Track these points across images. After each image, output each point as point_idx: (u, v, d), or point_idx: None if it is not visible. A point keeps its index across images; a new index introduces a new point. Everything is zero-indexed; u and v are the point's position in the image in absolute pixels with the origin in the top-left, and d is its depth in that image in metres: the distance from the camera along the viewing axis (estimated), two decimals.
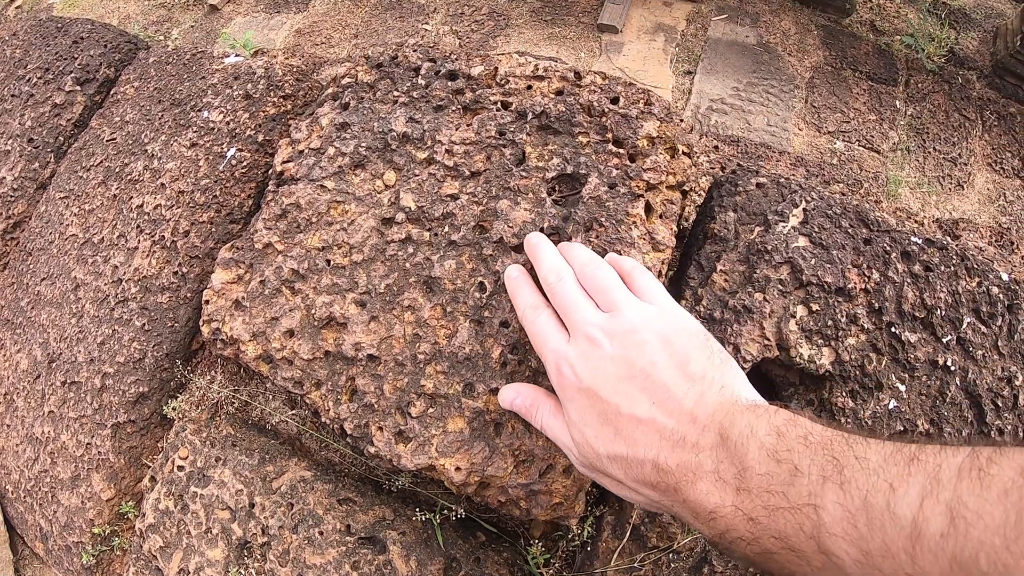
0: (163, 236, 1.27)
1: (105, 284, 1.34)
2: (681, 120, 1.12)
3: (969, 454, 0.43)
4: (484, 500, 0.92)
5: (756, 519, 0.53)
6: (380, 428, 0.92)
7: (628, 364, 0.67)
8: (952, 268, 1.12)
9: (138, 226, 1.32)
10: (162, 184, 1.32)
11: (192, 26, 3.47)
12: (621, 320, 0.71)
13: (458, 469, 0.88)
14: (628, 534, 1.01)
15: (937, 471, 0.43)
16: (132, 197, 1.36)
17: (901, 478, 0.45)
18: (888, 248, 1.14)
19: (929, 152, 2.92)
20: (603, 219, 0.97)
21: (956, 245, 1.17)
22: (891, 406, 1.07)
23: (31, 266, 1.56)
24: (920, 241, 1.15)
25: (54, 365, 1.41)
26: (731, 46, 2.92)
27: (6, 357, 1.56)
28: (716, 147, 2.25)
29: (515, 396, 0.83)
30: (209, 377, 1.22)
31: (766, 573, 0.80)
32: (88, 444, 1.32)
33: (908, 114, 2.97)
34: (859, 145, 2.84)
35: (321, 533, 1.00)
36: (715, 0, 3.06)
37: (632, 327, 0.69)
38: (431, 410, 0.91)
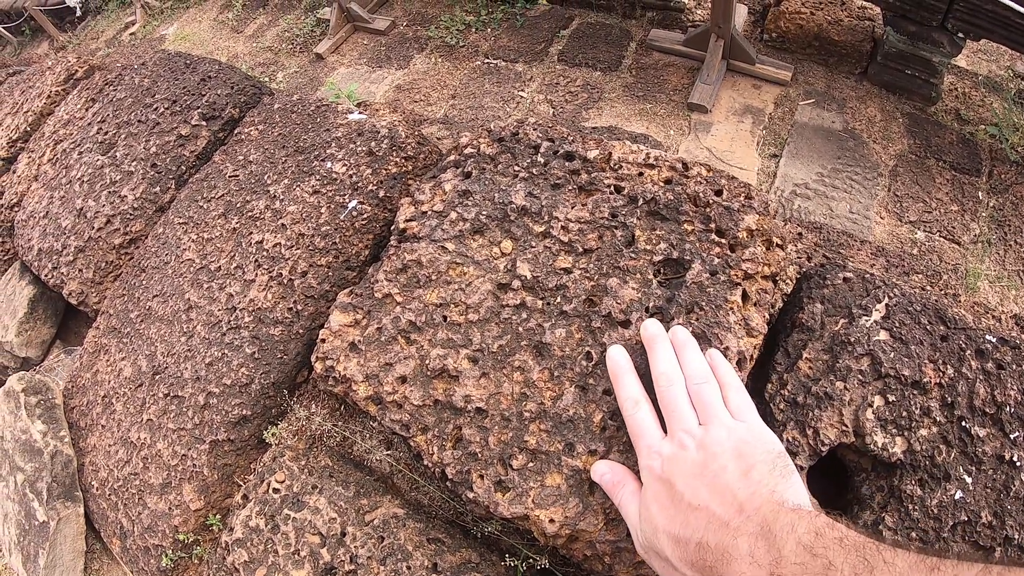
0: (281, 273, 1.43)
1: (219, 310, 1.50)
2: (767, 204, 1.24)
3: (981, 570, 0.54)
4: (570, 553, 1.03)
5: None
6: (481, 476, 1.04)
7: (703, 467, 0.82)
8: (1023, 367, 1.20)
9: (256, 260, 1.49)
10: (283, 224, 1.49)
11: (296, 71, 3.76)
12: (711, 435, 0.85)
13: (552, 521, 0.99)
14: None
15: None
16: (252, 232, 1.53)
17: None
18: (963, 345, 1.22)
19: (1010, 245, 2.96)
20: (703, 303, 1.08)
21: None
22: (957, 496, 1.14)
23: (144, 282, 1.74)
24: (994, 340, 1.23)
25: (158, 377, 1.57)
26: (817, 131, 3.03)
27: (110, 362, 1.73)
28: (800, 234, 2.35)
29: (606, 471, 0.96)
30: (310, 410, 1.36)
31: None
32: (184, 456, 1.46)
33: (990, 205, 3.03)
34: (940, 236, 2.90)
35: (409, 568, 1.11)
36: (803, 84, 3.19)
37: (717, 441, 0.84)
38: (531, 464, 1.02)
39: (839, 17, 3.26)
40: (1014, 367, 1.19)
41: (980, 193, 3.06)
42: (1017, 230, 2.99)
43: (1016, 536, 1.11)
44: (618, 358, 0.99)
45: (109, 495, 1.62)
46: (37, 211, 2.09)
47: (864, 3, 3.24)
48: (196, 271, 1.60)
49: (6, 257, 2.38)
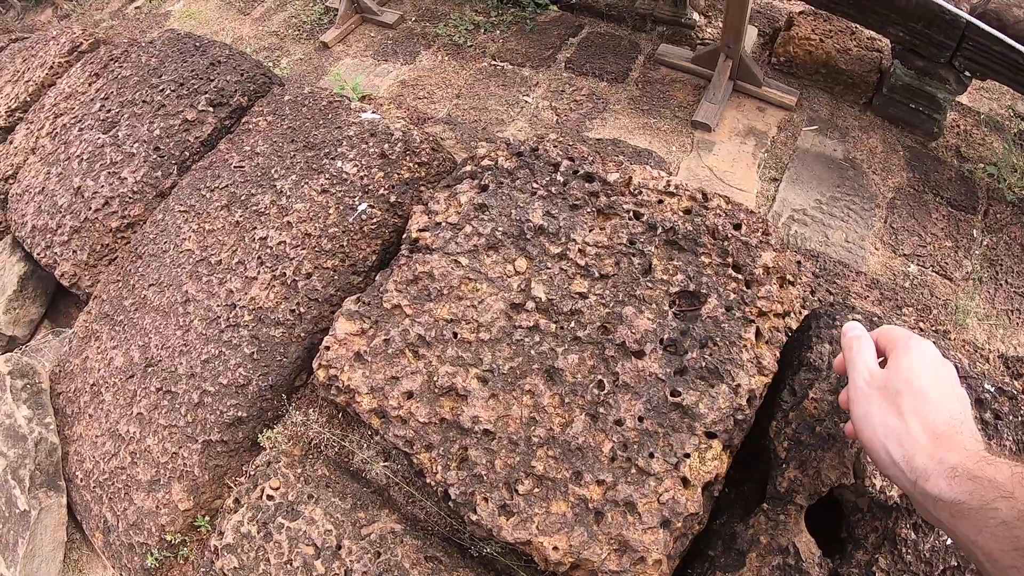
0: (285, 273, 1.41)
1: (218, 305, 1.47)
2: (783, 241, 1.24)
3: None
4: None
5: None
6: (486, 499, 1.02)
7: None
8: (1020, 418, 1.21)
9: (259, 258, 1.46)
10: (289, 223, 1.46)
11: (301, 58, 3.71)
12: None
13: (555, 548, 0.98)
14: None
15: None
16: (256, 228, 1.50)
17: None
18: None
19: (1000, 284, 3.00)
20: (718, 339, 1.08)
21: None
22: (949, 542, 1.15)
23: (140, 269, 1.70)
24: (993, 389, 1.24)
25: (151, 370, 1.54)
26: (818, 158, 3.05)
27: (100, 350, 1.69)
28: (799, 263, 2.37)
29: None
30: (307, 416, 1.33)
31: None
32: (175, 454, 1.43)
33: (984, 244, 3.06)
34: (932, 270, 2.93)
35: None
36: (808, 110, 3.20)
37: None
38: (537, 490, 1.01)
39: (848, 46, 3.27)
40: (1011, 417, 1.20)
41: (975, 231, 3.09)
42: (1009, 270, 3.03)
43: None
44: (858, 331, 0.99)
45: (94, 487, 1.58)
46: (33, 186, 2.04)
47: (874, 35, 3.25)
48: (195, 263, 1.57)
49: None
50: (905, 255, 2.91)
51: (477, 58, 3.55)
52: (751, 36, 3.42)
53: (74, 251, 1.86)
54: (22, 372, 1.74)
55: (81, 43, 2.45)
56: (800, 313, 1.42)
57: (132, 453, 1.51)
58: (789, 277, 1.22)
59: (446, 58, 3.58)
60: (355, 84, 2.74)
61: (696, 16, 3.51)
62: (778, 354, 1.16)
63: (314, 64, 3.64)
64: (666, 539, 1.00)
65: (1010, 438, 1.20)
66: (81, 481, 1.61)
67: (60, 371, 1.80)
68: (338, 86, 2.83)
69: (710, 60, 3.20)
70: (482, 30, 3.67)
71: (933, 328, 2.70)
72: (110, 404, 1.60)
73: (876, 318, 1.33)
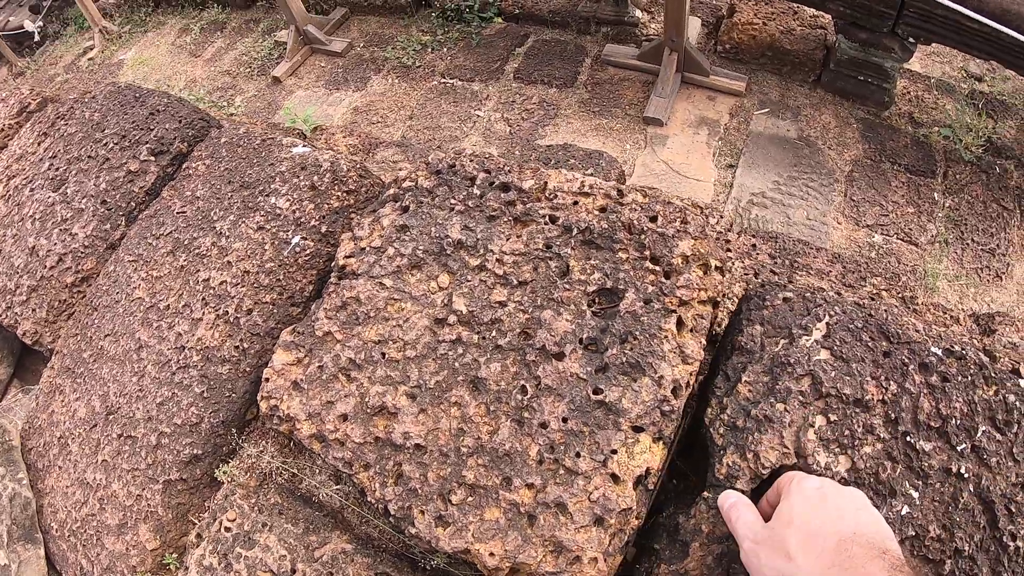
0: (227, 311, 1.44)
1: (168, 349, 1.50)
2: (721, 216, 1.26)
3: None
4: None
5: None
6: (422, 512, 1.05)
7: None
8: (970, 377, 1.22)
9: (203, 299, 1.49)
10: (229, 262, 1.49)
11: (254, 95, 3.76)
12: None
13: (492, 555, 1.01)
14: None
15: None
16: (199, 270, 1.54)
17: None
18: (906, 360, 1.25)
19: (967, 244, 3.03)
20: (637, 332, 1.10)
21: (975, 354, 1.27)
22: (904, 512, 1.16)
23: (96, 320, 1.73)
24: (939, 352, 1.25)
25: (111, 417, 1.57)
26: (772, 140, 3.09)
27: (64, 403, 1.72)
28: (753, 246, 2.39)
29: None
30: (260, 447, 1.36)
31: None
32: (139, 496, 1.46)
33: (946, 206, 3.09)
34: (897, 238, 2.96)
35: None
36: (758, 94, 3.24)
37: None
38: (470, 499, 1.04)
39: (791, 27, 3.32)
40: (959, 378, 1.22)
41: (936, 194, 3.12)
42: (974, 228, 3.05)
43: (965, 548, 1.14)
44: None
45: (68, 536, 1.61)
46: None
47: (816, 12, 3.30)
48: (146, 310, 1.60)
49: None
50: (868, 226, 2.94)
51: (427, 77, 3.59)
52: (695, 27, 3.46)
53: (33, 309, 1.89)
54: None
55: (29, 103, 2.49)
56: (739, 298, 1.44)
57: (100, 499, 1.53)
58: (715, 263, 1.24)
59: (397, 81, 3.62)
60: (306, 116, 2.79)
61: (639, 13, 3.55)
62: (704, 342, 1.19)
63: (267, 100, 3.68)
64: (600, 536, 1.02)
65: (959, 399, 1.21)
66: (56, 531, 1.64)
67: (29, 427, 1.82)
68: (290, 120, 2.87)
69: (655, 55, 3.25)
70: (430, 49, 3.72)
71: (901, 295, 2.74)
72: (77, 454, 1.63)
73: (809, 294, 1.35)
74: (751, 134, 3.12)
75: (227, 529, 1.29)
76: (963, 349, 1.27)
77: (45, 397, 1.82)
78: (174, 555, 1.44)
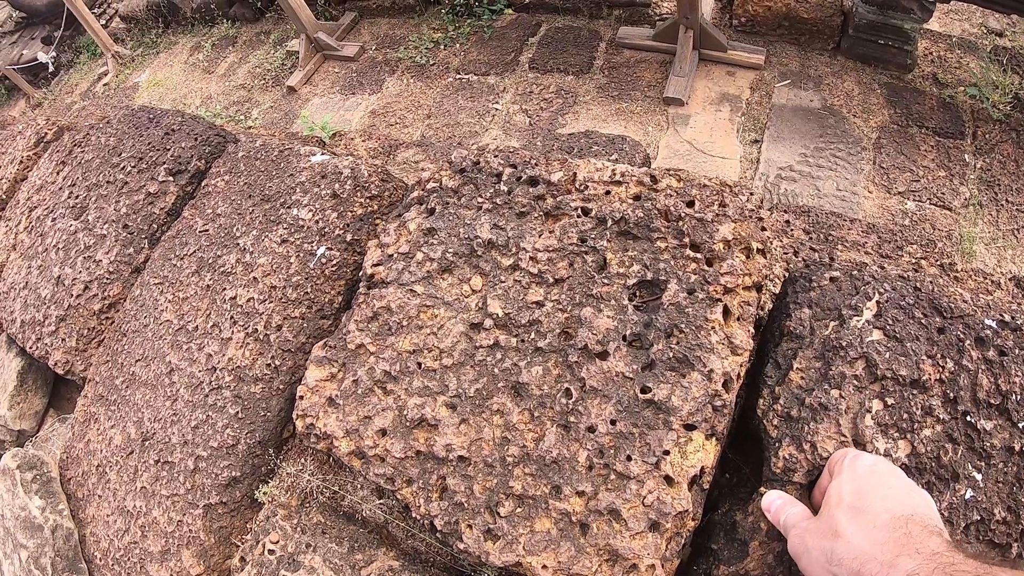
0: (256, 329, 1.40)
1: (199, 371, 1.47)
2: (751, 193, 1.19)
3: None
4: None
5: None
6: (470, 526, 1.00)
7: None
8: None
9: (232, 317, 1.46)
10: (254, 278, 1.45)
11: (271, 106, 3.73)
12: None
13: (544, 567, 0.96)
14: None
15: None
16: (225, 289, 1.50)
17: None
18: (962, 335, 1.17)
19: (1002, 205, 2.91)
20: (683, 325, 1.04)
21: None
22: (967, 496, 1.09)
23: (126, 346, 1.71)
24: (994, 324, 1.17)
25: (147, 444, 1.54)
26: (796, 111, 2.99)
27: (100, 431, 1.70)
28: (787, 222, 2.32)
29: None
30: (299, 465, 1.32)
31: None
32: (180, 521, 1.43)
33: (978, 167, 2.98)
34: (930, 203, 2.85)
35: None
36: (777, 66, 3.14)
37: None
38: (519, 510, 0.98)
39: None
40: (1017, 351, 1.14)
41: (966, 156, 3.01)
42: (1008, 188, 2.94)
43: None
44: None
45: (112, 565, 1.59)
46: (17, 282, 2.06)
47: None
48: (175, 332, 1.57)
49: None
50: (900, 193, 2.84)
51: (442, 75, 3.54)
52: (708, 2, 3.37)
53: (63, 339, 1.87)
54: (30, 464, 1.76)
55: (46, 133, 2.48)
56: (781, 279, 1.37)
57: (142, 527, 1.51)
58: (756, 245, 1.17)
59: (412, 80, 3.57)
60: (324, 123, 2.75)
61: None
62: (752, 330, 1.12)
63: (284, 110, 3.65)
64: (657, 542, 0.96)
65: (1019, 373, 1.13)
66: (100, 561, 1.62)
67: (67, 457, 1.81)
68: (308, 128, 2.84)
69: (671, 34, 3.16)
70: (442, 46, 3.66)
71: (939, 263, 2.63)
72: (115, 482, 1.60)
73: (856, 272, 1.27)
74: (774, 107, 3.03)
75: (271, 552, 1.25)
76: (1016, 319, 1.19)
77: (80, 426, 1.80)
78: None
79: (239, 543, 1.40)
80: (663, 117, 3.05)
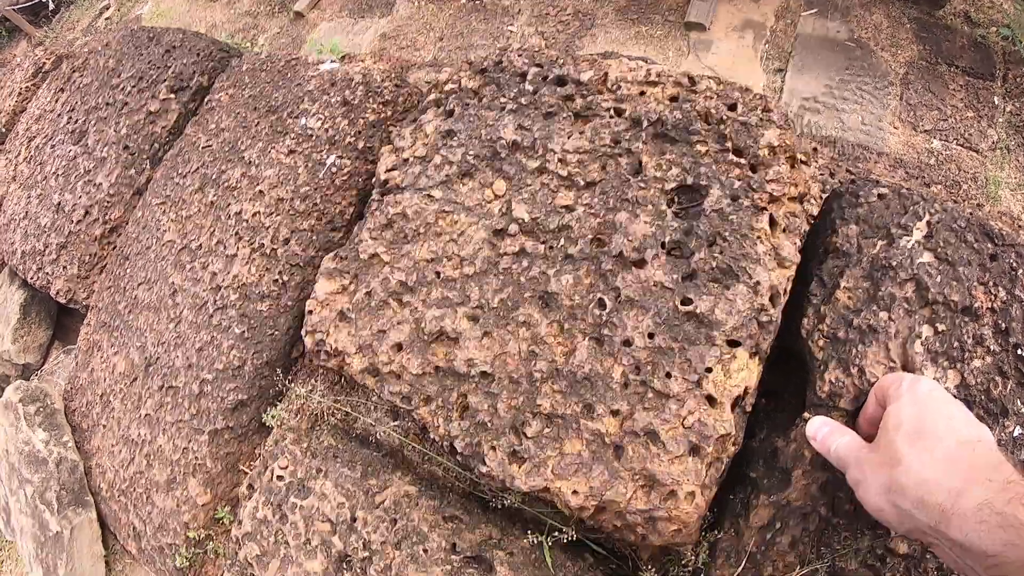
0: (262, 243, 1.29)
1: (203, 290, 1.37)
2: (786, 117, 1.07)
3: None
4: (599, 524, 0.90)
5: None
6: (493, 448, 0.90)
7: None
8: None
9: (237, 233, 1.35)
10: (260, 191, 1.34)
11: (278, 32, 3.56)
12: None
13: (575, 493, 0.86)
14: (744, 563, 0.96)
15: None
16: (230, 204, 1.39)
17: None
18: (1015, 264, 1.06)
19: None
20: (727, 233, 0.93)
21: None
22: (1016, 433, 1.00)
23: (128, 271, 1.61)
24: None
25: (151, 369, 1.45)
26: (822, 42, 2.82)
27: (103, 359, 1.61)
28: (815, 149, 2.19)
29: None
30: (309, 386, 1.23)
31: None
32: (185, 449, 1.35)
33: (1007, 111, 2.82)
34: (957, 144, 2.71)
35: (426, 551, 0.99)
36: None
37: None
38: (547, 431, 0.89)
39: None
40: None
41: (996, 98, 2.85)
42: None
43: None
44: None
45: (118, 496, 1.51)
46: (17, 213, 1.95)
47: None
48: (178, 252, 1.47)
49: None
50: (926, 131, 2.69)
51: None
52: None
53: (64, 267, 1.77)
54: (33, 397, 1.67)
55: (44, 62, 2.34)
56: (820, 198, 1.26)
57: (147, 456, 1.43)
58: (800, 156, 1.05)
59: (423, 3, 3.39)
60: (333, 46, 2.60)
61: None
62: (799, 243, 1.01)
63: (291, 36, 3.49)
64: (697, 467, 0.87)
65: None
66: (106, 492, 1.54)
67: (71, 388, 1.72)
68: (316, 52, 2.69)
69: None
70: None
71: (966, 202, 2.49)
72: (120, 411, 1.52)
73: (905, 191, 1.16)
74: (799, 36, 2.86)
75: (279, 478, 1.17)
76: None
77: (84, 355, 1.71)
78: (227, 508, 1.34)
79: (247, 470, 1.32)
80: (684, 42, 2.88)
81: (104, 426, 1.57)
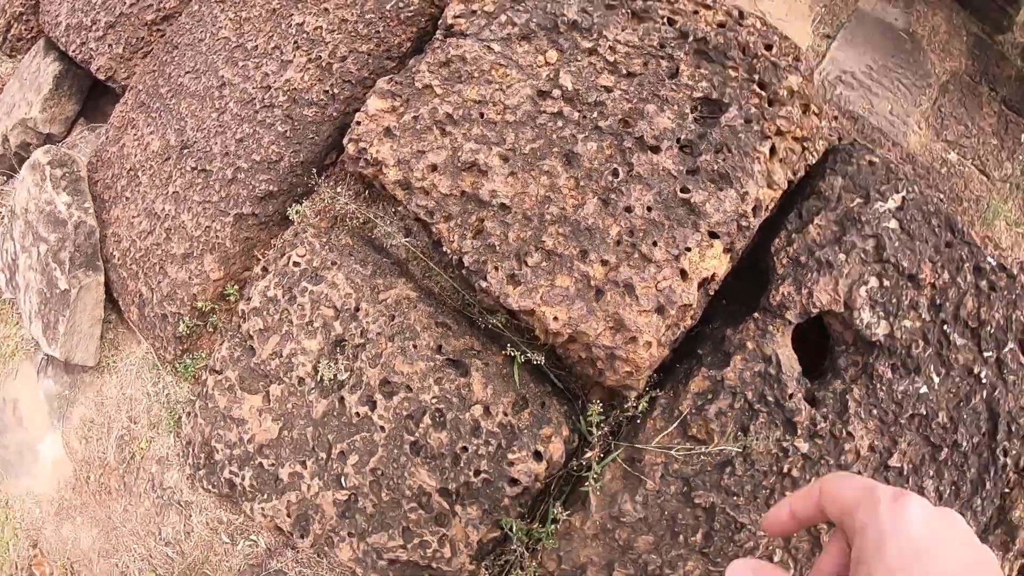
0: (320, 56, 1.47)
1: (253, 88, 1.54)
2: (812, 71, 1.27)
3: None
4: (567, 353, 1.14)
5: None
6: (496, 268, 1.13)
7: None
8: (1014, 297, 1.29)
9: (295, 42, 1.51)
10: (326, 8, 1.50)
11: None
12: None
13: (556, 319, 1.09)
14: (676, 422, 1.21)
15: None
16: (293, 14, 1.55)
17: None
18: (964, 257, 1.30)
19: None
20: (733, 146, 1.14)
21: None
22: (922, 391, 1.25)
23: (176, 58, 1.76)
24: (994, 262, 1.32)
25: (186, 151, 1.63)
26: (877, 23, 2.96)
27: (137, 136, 1.78)
28: (835, 117, 2.36)
29: None
30: (336, 191, 1.43)
31: None
32: (208, 227, 1.54)
33: None
34: (972, 163, 2.90)
35: (415, 347, 1.22)
36: None
37: None
38: (545, 264, 1.11)
39: None
40: (1005, 293, 1.28)
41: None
42: None
43: (963, 444, 1.25)
44: None
45: (130, 264, 1.70)
46: None
47: None
48: (231, 49, 1.63)
49: (30, 35, 2.40)
50: (948, 141, 2.88)
51: None
52: None
53: (110, 45, 1.91)
54: (61, 162, 1.83)
55: None
56: (821, 152, 1.47)
57: (168, 229, 1.62)
58: (814, 108, 1.26)
59: None
60: None
61: None
62: (790, 175, 1.22)
63: None
64: (659, 324, 1.10)
65: (1000, 311, 1.28)
66: (118, 260, 1.73)
67: (97, 160, 1.89)
68: None
69: None
70: None
71: (960, 215, 2.71)
72: (147, 186, 1.70)
73: (894, 165, 1.38)
74: (857, 11, 3.00)
75: (296, 264, 1.38)
76: (1015, 269, 1.33)
77: (115, 131, 1.87)
78: (235, 287, 1.55)
79: (260, 257, 1.53)
80: None
81: (127, 198, 1.75)
